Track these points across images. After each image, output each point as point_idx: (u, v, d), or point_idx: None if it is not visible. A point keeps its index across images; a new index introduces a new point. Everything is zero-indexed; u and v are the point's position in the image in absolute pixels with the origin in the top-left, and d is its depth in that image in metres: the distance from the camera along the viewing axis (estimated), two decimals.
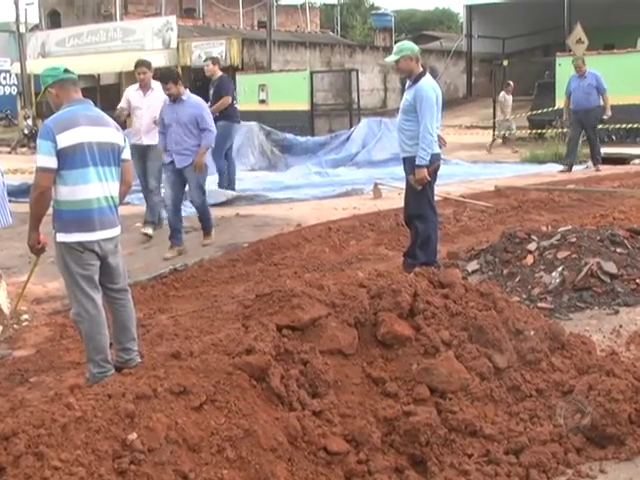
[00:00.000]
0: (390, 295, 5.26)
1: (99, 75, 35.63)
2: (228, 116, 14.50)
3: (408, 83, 8.55)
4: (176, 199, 10.57)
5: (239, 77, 30.03)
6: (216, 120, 11.79)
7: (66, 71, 5.96)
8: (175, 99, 10.27)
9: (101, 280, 6.03)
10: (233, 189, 14.80)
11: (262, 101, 28.46)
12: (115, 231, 6.02)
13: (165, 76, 10.42)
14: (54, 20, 43.33)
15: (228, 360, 4.44)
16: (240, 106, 29.05)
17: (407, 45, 8.54)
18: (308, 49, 35.33)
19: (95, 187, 5.82)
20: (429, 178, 8.33)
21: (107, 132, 5.94)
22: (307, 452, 4.25)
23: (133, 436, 3.75)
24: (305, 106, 27.25)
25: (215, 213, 13.30)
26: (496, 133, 24.55)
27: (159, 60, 32.85)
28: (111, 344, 6.13)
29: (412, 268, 7.56)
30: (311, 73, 28.30)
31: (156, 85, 11.11)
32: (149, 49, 33.65)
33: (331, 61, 35.69)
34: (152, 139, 11.12)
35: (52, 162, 5.68)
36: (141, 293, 8.61)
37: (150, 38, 34.04)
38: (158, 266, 9.84)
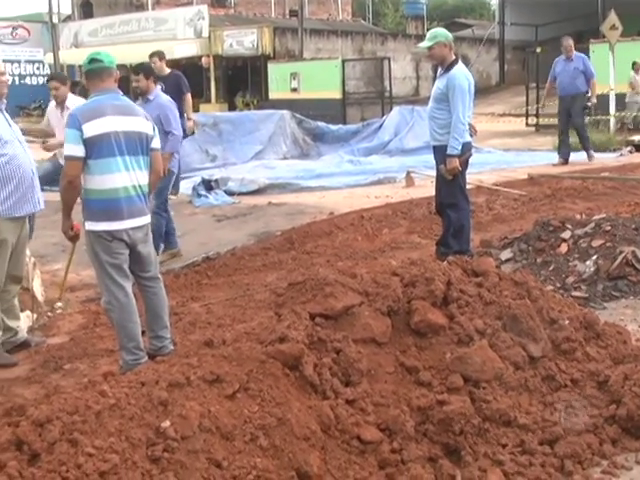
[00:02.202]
0: (423, 283, 5.22)
1: (131, 65, 35.73)
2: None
3: (440, 71, 8.49)
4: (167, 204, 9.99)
5: (271, 65, 30.06)
6: None
7: (93, 60, 5.96)
8: (142, 96, 9.57)
9: (132, 268, 6.06)
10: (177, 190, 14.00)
11: (294, 89, 28.45)
12: (144, 220, 6.04)
13: (139, 67, 9.93)
14: (87, 10, 43.51)
15: (261, 348, 4.42)
16: (272, 94, 29.33)
17: (441, 32, 8.48)
18: (340, 37, 35.22)
19: (122, 176, 5.84)
20: (460, 168, 8.28)
21: (135, 121, 5.96)
22: (340, 441, 4.23)
23: (166, 424, 3.74)
24: (337, 94, 27.21)
25: (247, 201, 13.38)
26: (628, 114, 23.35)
27: (191, 49, 32.95)
28: (144, 332, 6.15)
29: (445, 257, 7.52)
30: (343, 61, 28.25)
31: (72, 102, 9.82)
32: (181, 38, 33.71)
33: (363, 49, 35.57)
34: None
35: (79, 151, 5.72)
36: (174, 281, 8.64)
37: (182, 27, 34.09)
38: (191, 254, 9.86)
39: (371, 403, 4.53)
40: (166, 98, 9.80)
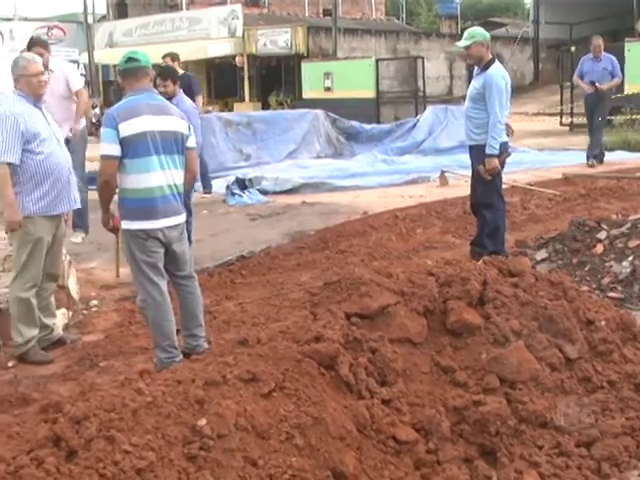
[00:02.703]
0: (459, 283, 5.20)
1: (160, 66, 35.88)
2: None
3: (476, 70, 8.44)
4: None
5: (304, 65, 30.03)
6: None
7: (130, 60, 5.98)
8: (169, 99, 9.10)
9: (167, 267, 6.08)
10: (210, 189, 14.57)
11: (327, 89, 28.41)
12: (179, 219, 6.06)
13: (166, 72, 9.77)
14: (121, 10, 43.74)
15: (297, 348, 4.42)
16: (305, 94, 29.32)
17: (479, 31, 8.43)
18: (373, 36, 35.16)
19: (158, 175, 5.86)
20: (500, 168, 8.25)
21: (170, 121, 5.98)
22: (376, 441, 4.22)
23: (203, 422, 3.75)
24: (371, 94, 27.14)
25: (281, 200, 13.40)
26: None
27: (224, 49, 33.03)
28: (179, 330, 6.17)
29: (480, 257, 7.49)
30: (377, 60, 28.17)
31: (55, 64, 9.94)
32: (215, 37, 33.79)
33: (396, 48, 35.49)
34: (63, 131, 8.85)
35: (115, 150, 5.75)
36: (208, 280, 8.66)
37: (216, 27, 34.17)
38: (225, 253, 9.88)
39: (407, 403, 4.52)
40: (189, 103, 9.78)
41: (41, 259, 6.74)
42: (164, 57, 14.18)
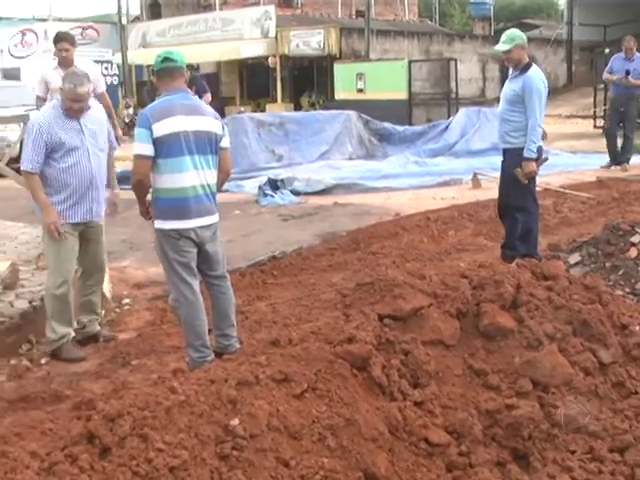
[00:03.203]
0: (493, 286, 5.19)
1: (198, 65, 36.01)
2: None
3: (512, 73, 8.39)
4: None
5: (337, 66, 30.00)
6: None
7: (165, 60, 6.00)
8: None
9: (200, 267, 6.09)
10: None
11: (360, 90, 28.37)
12: (212, 219, 6.06)
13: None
14: (155, 11, 43.90)
15: (330, 349, 4.43)
16: (337, 95, 29.31)
17: (518, 33, 8.38)
18: (406, 38, 35.07)
19: (191, 175, 5.87)
20: (537, 171, 8.22)
21: (204, 121, 5.98)
22: (408, 443, 4.21)
23: (235, 422, 3.77)
24: (403, 95, 27.07)
25: (313, 201, 13.42)
26: None
27: (257, 49, 33.06)
28: (210, 330, 6.18)
29: (512, 259, 7.46)
30: (409, 62, 28.11)
31: (80, 63, 9.44)
32: (247, 38, 33.83)
33: (429, 50, 35.38)
34: None
35: (148, 150, 5.76)
36: (240, 280, 8.67)
37: (249, 27, 34.21)
38: (257, 253, 9.90)
39: (439, 405, 4.51)
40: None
41: (70, 258, 6.80)
42: None
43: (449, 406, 4.53)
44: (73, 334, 6.97)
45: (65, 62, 9.42)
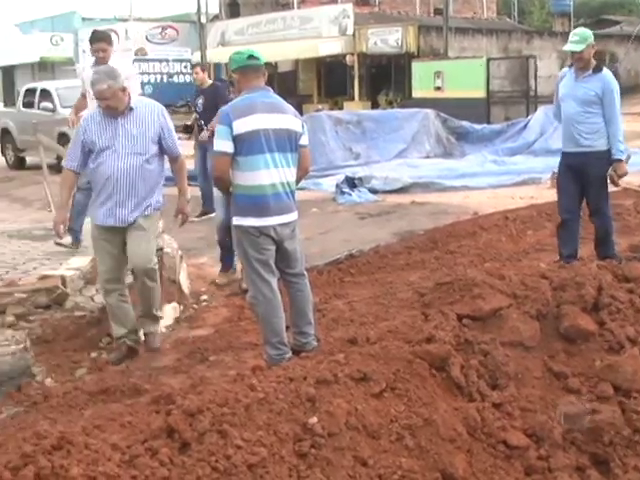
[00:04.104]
0: (574, 288, 5.13)
1: (276, 63, 36.18)
2: None
3: (578, 72, 8.17)
4: (229, 218, 9.29)
5: (415, 64, 29.89)
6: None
7: (250, 57, 6.03)
8: None
9: (278, 264, 6.10)
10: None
11: (438, 88, 28.22)
12: (291, 216, 6.06)
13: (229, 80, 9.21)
14: (233, 10, 44.23)
15: (408, 348, 4.41)
16: (415, 93, 29.21)
17: (588, 33, 8.22)
18: (485, 36, 34.78)
19: (270, 173, 5.88)
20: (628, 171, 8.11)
21: (284, 119, 5.99)
22: (486, 444, 4.18)
23: (314, 420, 3.77)
24: (481, 93, 26.85)
25: (391, 200, 13.40)
26: None
27: (335, 47, 33.11)
28: (288, 327, 6.19)
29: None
30: (488, 60, 27.87)
31: (116, 63, 9.07)
32: (325, 36, 33.91)
33: (508, 48, 35.02)
34: None
35: (228, 147, 5.78)
36: (317, 278, 8.69)
37: (327, 26, 34.28)
38: (334, 251, 9.91)
39: (518, 408, 4.47)
40: None
41: (103, 260, 6.65)
42: (194, 67, 13.77)
43: (528, 408, 4.48)
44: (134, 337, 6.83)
45: (102, 62, 9.13)
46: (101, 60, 9.19)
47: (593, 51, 8.11)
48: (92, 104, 9.10)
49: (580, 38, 8.06)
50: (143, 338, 6.90)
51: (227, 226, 8.47)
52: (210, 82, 13.16)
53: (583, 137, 8.12)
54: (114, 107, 6.46)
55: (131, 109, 6.54)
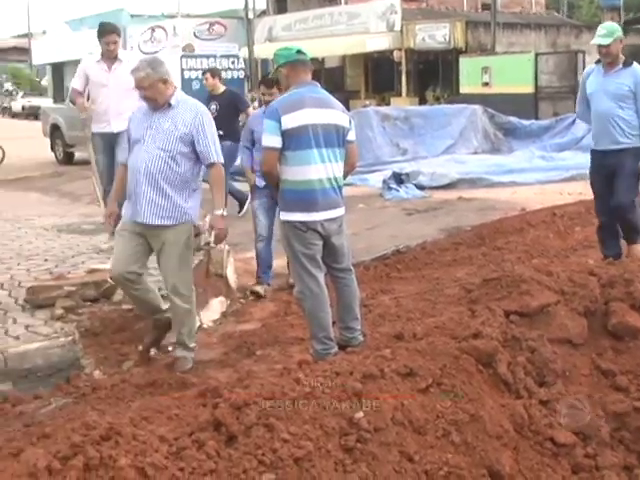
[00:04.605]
0: (622, 284, 5.07)
1: (323, 58, 36.18)
2: (234, 136, 11.74)
3: (608, 67, 8.05)
4: (270, 230, 8.71)
5: (462, 59, 29.75)
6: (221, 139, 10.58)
7: (299, 52, 6.06)
8: None
9: (325, 259, 6.11)
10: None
11: (485, 84, 28.06)
12: (338, 212, 6.07)
13: (270, 80, 8.65)
14: (281, 5, 44.29)
15: (455, 344, 4.40)
16: (462, 88, 29.07)
17: (616, 27, 8.13)
18: (533, 31, 34.49)
19: (318, 168, 5.89)
20: None
21: (332, 114, 6.00)
22: (533, 442, 4.15)
23: (360, 415, 3.77)
24: (529, 89, 26.64)
25: (438, 196, 13.37)
26: None
27: (382, 43, 33.04)
28: (334, 322, 6.20)
29: None
30: (536, 55, 27.67)
31: (125, 56, 9.20)
32: (373, 32, 33.83)
33: (556, 42, 34.71)
34: (123, 124, 7.85)
35: (276, 142, 5.80)
36: (364, 273, 8.70)
37: (374, 21, 34.19)
38: (381, 247, 9.91)
39: None
40: None
41: (120, 255, 6.33)
42: (204, 73, 13.24)
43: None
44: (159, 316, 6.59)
45: (111, 55, 9.15)
46: (111, 53, 9.15)
47: (621, 46, 8.02)
48: (105, 102, 9.14)
49: (607, 32, 7.97)
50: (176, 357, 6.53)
51: (266, 239, 8.74)
52: (223, 88, 12.84)
53: (619, 133, 7.97)
54: (152, 98, 6.20)
55: (169, 105, 6.25)
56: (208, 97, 12.47)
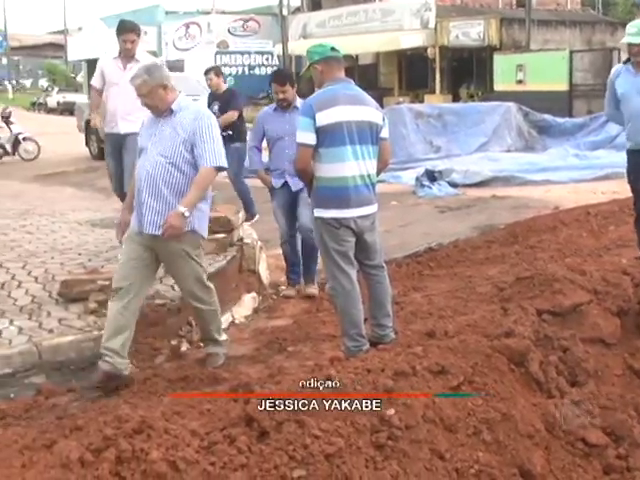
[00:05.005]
0: None
1: (357, 55, 36.19)
2: (243, 136, 11.75)
3: (639, 67, 7.92)
4: (293, 229, 8.58)
5: (497, 57, 29.67)
6: (229, 141, 10.18)
7: (333, 49, 6.06)
8: (288, 106, 8.28)
9: (357, 256, 6.10)
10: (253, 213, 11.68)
11: (519, 81, 27.97)
12: (372, 208, 6.05)
13: (282, 76, 8.48)
14: (315, 2, 44.38)
15: (487, 342, 4.39)
16: (497, 86, 28.97)
17: None
18: (568, 28, 34.35)
19: (351, 165, 5.88)
20: None
21: (366, 111, 5.99)
22: (564, 442, 4.15)
23: (391, 412, 3.78)
24: (563, 86, 26.55)
25: (471, 193, 13.32)
26: None
27: (416, 40, 33.03)
28: (366, 319, 6.20)
29: None
30: (570, 52, 27.53)
31: (143, 57, 8.81)
32: (407, 29, 33.83)
33: (591, 40, 34.54)
34: (130, 126, 8.06)
35: (311, 138, 5.79)
36: (396, 270, 8.68)
37: (408, 18, 34.20)
38: (413, 244, 9.90)
39: (597, 405, 4.42)
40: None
41: (124, 265, 6.10)
42: (207, 73, 12.71)
43: (607, 406, 4.43)
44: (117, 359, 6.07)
45: (128, 54, 8.84)
46: (128, 52, 8.83)
47: None
48: (114, 101, 8.72)
49: (638, 30, 7.78)
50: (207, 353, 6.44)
51: (290, 239, 8.60)
52: (225, 87, 12.57)
53: None
54: (153, 105, 5.98)
55: (171, 111, 5.99)
56: (210, 97, 12.34)
